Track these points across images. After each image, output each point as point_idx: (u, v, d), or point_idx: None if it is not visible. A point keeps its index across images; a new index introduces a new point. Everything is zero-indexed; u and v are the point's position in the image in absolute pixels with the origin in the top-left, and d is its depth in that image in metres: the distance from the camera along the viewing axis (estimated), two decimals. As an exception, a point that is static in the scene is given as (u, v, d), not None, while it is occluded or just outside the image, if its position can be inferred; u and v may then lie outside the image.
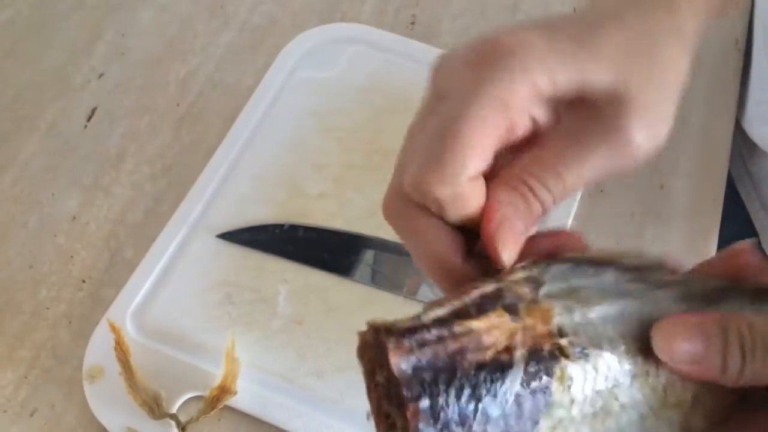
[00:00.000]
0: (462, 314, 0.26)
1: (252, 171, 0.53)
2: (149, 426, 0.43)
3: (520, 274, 0.27)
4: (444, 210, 0.27)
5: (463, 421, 0.25)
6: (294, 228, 0.51)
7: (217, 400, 0.43)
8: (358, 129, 0.56)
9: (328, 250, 0.50)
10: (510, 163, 0.28)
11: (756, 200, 0.67)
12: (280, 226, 0.51)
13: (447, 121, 0.26)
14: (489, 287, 0.26)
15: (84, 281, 0.50)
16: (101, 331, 0.46)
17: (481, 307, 0.26)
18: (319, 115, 0.56)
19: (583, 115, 0.27)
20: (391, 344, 0.25)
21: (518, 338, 0.26)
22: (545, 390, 0.26)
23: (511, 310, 0.26)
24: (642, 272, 0.28)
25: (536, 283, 0.27)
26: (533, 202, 0.27)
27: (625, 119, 0.27)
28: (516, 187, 0.27)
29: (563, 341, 0.26)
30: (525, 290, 0.27)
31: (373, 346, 0.26)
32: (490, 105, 0.26)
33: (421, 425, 0.24)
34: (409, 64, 0.59)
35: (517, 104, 0.26)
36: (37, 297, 0.49)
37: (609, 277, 0.28)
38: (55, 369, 0.46)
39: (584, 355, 0.26)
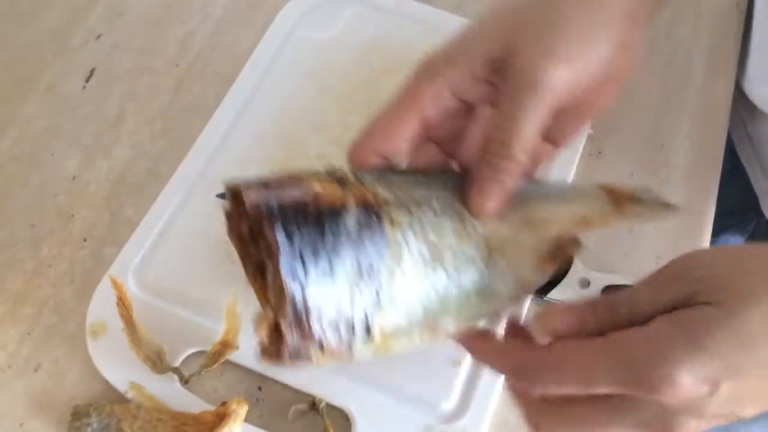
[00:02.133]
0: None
1: (251, 131, 0.53)
2: (152, 380, 0.43)
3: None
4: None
5: (314, 241, 0.31)
6: (294, 187, 0.51)
7: (219, 354, 0.43)
8: (356, 90, 0.55)
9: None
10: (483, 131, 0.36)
11: (756, 164, 0.67)
12: (280, 186, 0.51)
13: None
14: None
15: (85, 240, 0.50)
16: (103, 289, 0.47)
17: (317, 176, 0.34)
18: (318, 76, 0.56)
19: (509, 76, 0.35)
20: (243, 187, 0.32)
21: (349, 198, 0.32)
22: (380, 228, 0.32)
23: (342, 181, 0.33)
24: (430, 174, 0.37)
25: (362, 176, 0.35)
26: (508, 165, 0.34)
27: (539, 61, 0.34)
28: (489, 162, 0.34)
29: (388, 200, 0.33)
30: (352, 177, 0.34)
31: (234, 210, 0.33)
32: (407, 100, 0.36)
33: (279, 239, 0.30)
34: (408, 25, 0.58)
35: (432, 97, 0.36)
36: (38, 255, 0.49)
37: (416, 178, 0.36)
38: (58, 326, 0.47)
39: (407, 210, 0.33)
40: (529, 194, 0.36)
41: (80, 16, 0.60)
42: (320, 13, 0.59)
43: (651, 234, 0.52)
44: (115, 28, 0.59)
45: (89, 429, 0.41)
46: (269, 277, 0.32)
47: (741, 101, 0.63)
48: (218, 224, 0.49)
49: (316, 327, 0.31)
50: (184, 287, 0.47)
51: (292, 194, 0.32)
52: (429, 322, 0.34)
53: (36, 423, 0.44)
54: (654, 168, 0.54)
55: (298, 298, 0.31)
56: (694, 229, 0.52)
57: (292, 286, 0.30)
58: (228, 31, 0.59)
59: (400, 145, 0.36)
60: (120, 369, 0.44)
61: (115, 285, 0.44)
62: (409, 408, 0.43)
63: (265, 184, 0.32)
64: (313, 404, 0.43)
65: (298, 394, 0.44)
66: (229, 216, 0.35)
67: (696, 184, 0.54)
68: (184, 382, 0.43)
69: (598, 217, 0.37)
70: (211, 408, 0.42)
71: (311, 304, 0.31)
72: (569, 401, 0.31)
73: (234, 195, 0.33)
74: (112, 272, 0.47)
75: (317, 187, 0.32)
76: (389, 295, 0.32)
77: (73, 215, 0.51)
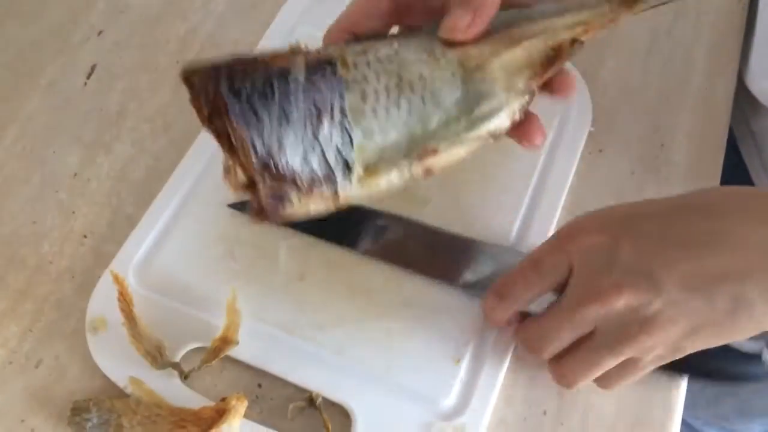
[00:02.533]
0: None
1: (252, 128, 0.53)
2: (152, 376, 0.43)
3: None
4: None
5: (263, 93, 0.32)
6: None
7: (219, 350, 0.43)
8: (358, 87, 0.55)
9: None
10: None
11: (758, 160, 0.67)
12: (281, 183, 0.51)
13: None
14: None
15: (86, 236, 0.50)
16: (104, 284, 0.47)
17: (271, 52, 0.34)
18: (319, 73, 0.56)
19: None
20: (189, 66, 0.33)
21: (299, 58, 0.33)
22: (333, 72, 0.33)
23: (296, 50, 0.34)
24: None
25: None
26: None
27: None
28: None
29: (339, 54, 0.34)
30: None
31: (195, 98, 0.34)
32: None
33: (224, 93, 0.32)
34: (410, 22, 0.58)
35: None
36: (40, 252, 0.49)
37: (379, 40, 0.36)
38: (59, 322, 0.47)
39: (363, 53, 0.34)
40: (512, 19, 0.37)
41: (81, 13, 0.60)
42: (321, 9, 0.59)
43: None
44: (116, 24, 0.59)
45: (89, 424, 0.41)
46: (234, 141, 0.32)
47: (743, 96, 0.63)
48: (219, 221, 0.50)
49: (283, 164, 0.32)
50: (184, 283, 0.47)
51: (239, 65, 0.33)
52: (415, 149, 0.34)
53: (37, 419, 0.44)
54: (655, 166, 0.54)
55: (257, 141, 0.32)
56: (694, 227, 0.52)
57: (246, 132, 0.31)
58: (229, 27, 0.60)
59: (371, 22, 0.37)
60: (119, 364, 0.44)
61: (116, 279, 0.45)
62: (408, 405, 0.43)
63: (214, 64, 0.33)
64: (311, 400, 0.43)
65: (299, 391, 0.44)
66: (194, 104, 0.35)
67: (697, 183, 0.54)
68: (184, 377, 0.43)
69: (603, 19, 0.37)
70: (211, 404, 0.42)
71: (272, 144, 0.32)
72: (537, 316, 0.40)
73: (188, 82, 0.34)
74: (112, 269, 0.47)
75: (266, 57, 0.33)
76: (362, 129, 0.33)
77: (74, 212, 0.51)
